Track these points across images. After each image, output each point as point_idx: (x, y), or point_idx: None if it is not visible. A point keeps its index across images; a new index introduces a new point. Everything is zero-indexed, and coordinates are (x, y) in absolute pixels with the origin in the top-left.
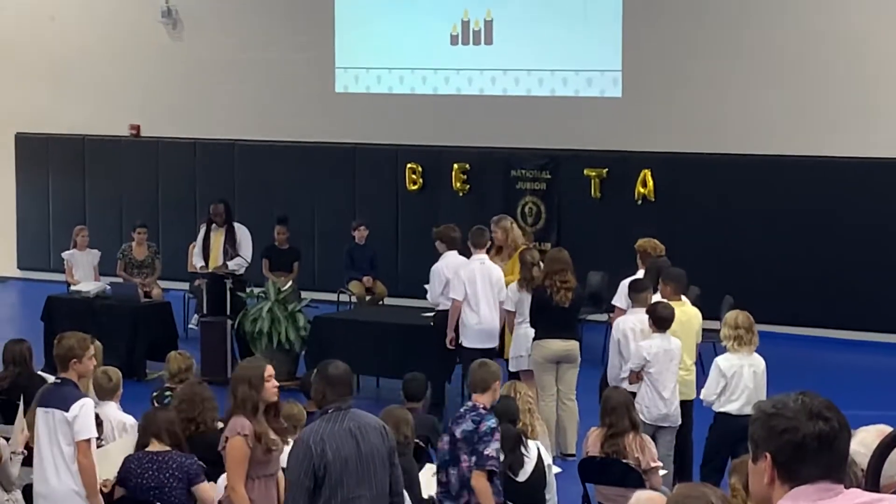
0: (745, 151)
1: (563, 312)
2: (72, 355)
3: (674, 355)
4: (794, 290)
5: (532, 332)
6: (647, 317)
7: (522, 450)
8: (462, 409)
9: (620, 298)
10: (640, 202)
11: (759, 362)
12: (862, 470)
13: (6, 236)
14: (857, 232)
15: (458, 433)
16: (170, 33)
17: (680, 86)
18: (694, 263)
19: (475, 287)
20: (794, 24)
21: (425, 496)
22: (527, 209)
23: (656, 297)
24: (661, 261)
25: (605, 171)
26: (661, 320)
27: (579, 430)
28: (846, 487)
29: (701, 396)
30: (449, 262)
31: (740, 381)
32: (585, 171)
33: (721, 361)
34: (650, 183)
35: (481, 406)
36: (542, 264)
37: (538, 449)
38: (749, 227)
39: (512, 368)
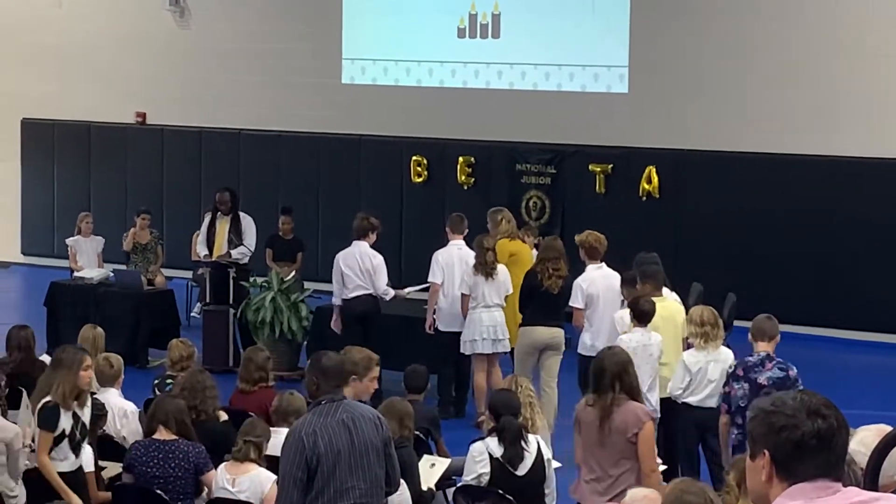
0: (751, 149)
1: (552, 299)
2: (353, 370)
3: (652, 350)
4: (798, 288)
5: (486, 316)
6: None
7: (523, 444)
8: (753, 358)
9: (577, 299)
10: (644, 198)
11: (726, 356)
12: (862, 469)
13: (10, 222)
14: (863, 232)
15: (763, 380)
16: (177, 21)
17: (686, 83)
18: (698, 261)
19: (452, 272)
20: (804, 22)
21: (424, 488)
22: (531, 203)
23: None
24: (650, 257)
25: (610, 166)
26: (642, 314)
27: (556, 417)
28: (845, 486)
29: (668, 390)
30: (339, 254)
31: (704, 376)
32: (591, 167)
33: (687, 357)
34: (655, 179)
35: (773, 354)
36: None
37: (538, 443)
38: (754, 225)
39: (465, 352)
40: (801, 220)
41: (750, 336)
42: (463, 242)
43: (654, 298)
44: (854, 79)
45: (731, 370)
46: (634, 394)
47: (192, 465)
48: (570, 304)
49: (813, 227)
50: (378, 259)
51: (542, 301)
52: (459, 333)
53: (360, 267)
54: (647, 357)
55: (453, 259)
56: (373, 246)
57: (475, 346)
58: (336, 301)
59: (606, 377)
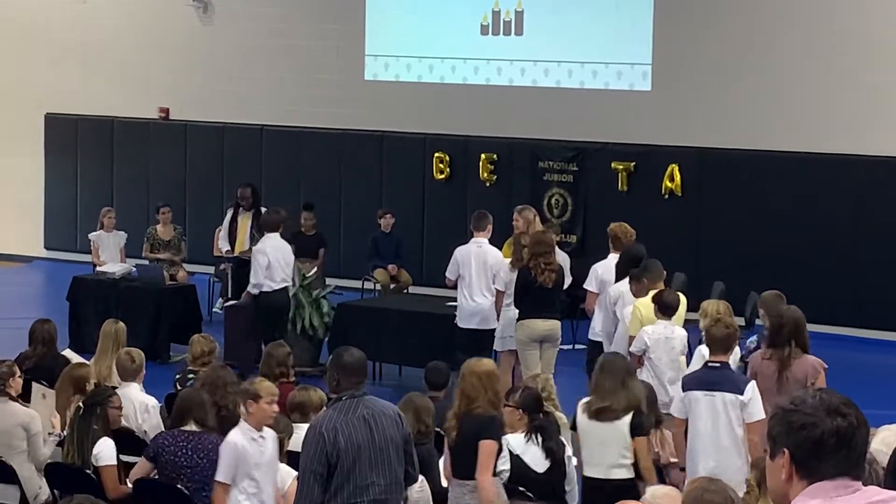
0: (774, 148)
1: (547, 293)
2: (732, 341)
3: (674, 343)
4: (820, 287)
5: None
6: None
7: (561, 438)
8: None
9: (591, 283)
10: (667, 196)
11: (737, 350)
12: (883, 468)
13: (34, 216)
14: (886, 231)
15: None
16: (200, 17)
17: (709, 81)
18: (719, 259)
19: (469, 269)
20: (832, 19)
21: (444, 484)
22: (553, 201)
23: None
24: (635, 247)
25: (632, 164)
26: (665, 307)
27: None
28: (865, 485)
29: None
30: (268, 245)
31: None
32: (613, 165)
33: (704, 350)
34: (678, 177)
35: None
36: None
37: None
38: (776, 224)
39: (497, 348)
40: (824, 220)
41: (763, 312)
42: (485, 240)
43: (656, 291)
44: (883, 77)
45: (752, 345)
46: (806, 348)
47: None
48: (584, 286)
49: (837, 225)
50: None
51: (538, 296)
52: (477, 331)
53: (286, 258)
54: (669, 350)
55: (471, 256)
56: (395, 239)
57: (506, 343)
58: (253, 290)
59: (784, 333)
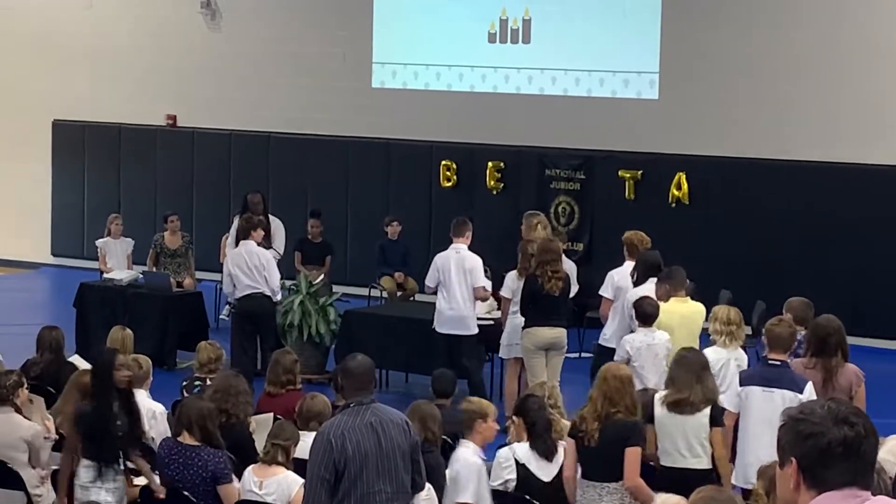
0: (781, 157)
1: (553, 301)
2: (793, 341)
3: (657, 350)
4: (827, 296)
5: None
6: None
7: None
8: (800, 337)
9: (607, 289)
10: (674, 205)
11: (742, 357)
12: (890, 478)
13: (41, 223)
14: (893, 240)
15: None
16: (208, 24)
17: (716, 89)
18: (726, 268)
19: (449, 275)
20: (834, 30)
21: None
22: (560, 209)
23: (644, 290)
24: (650, 254)
25: (639, 172)
26: (645, 316)
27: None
28: (874, 494)
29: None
30: (230, 253)
31: (727, 373)
32: (620, 173)
33: (710, 354)
34: (685, 186)
35: None
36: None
37: (563, 449)
38: (783, 233)
39: (503, 356)
40: (831, 228)
41: (791, 318)
42: (464, 246)
43: (677, 299)
44: (888, 87)
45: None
46: (847, 356)
47: (209, 475)
48: (600, 292)
49: (843, 235)
50: (267, 255)
51: (545, 304)
52: (454, 336)
53: (248, 264)
54: (653, 357)
55: (450, 262)
56: (402, 247)
57: (512, 351)
58: (230, 300)
59: (832, 342)
